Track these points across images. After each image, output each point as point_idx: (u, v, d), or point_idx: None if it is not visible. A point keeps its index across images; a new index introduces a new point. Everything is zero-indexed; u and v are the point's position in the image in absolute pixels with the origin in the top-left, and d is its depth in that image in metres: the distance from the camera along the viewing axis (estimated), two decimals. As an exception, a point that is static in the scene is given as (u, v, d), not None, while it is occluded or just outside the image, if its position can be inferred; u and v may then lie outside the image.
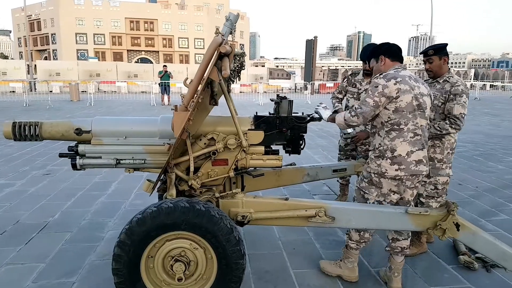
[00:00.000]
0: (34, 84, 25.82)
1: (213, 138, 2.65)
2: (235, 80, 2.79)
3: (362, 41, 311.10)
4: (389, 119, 2.50)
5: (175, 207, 2.22)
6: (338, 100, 4.20)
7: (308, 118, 2.81)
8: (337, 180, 4.47)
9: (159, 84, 19.04)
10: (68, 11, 58.80)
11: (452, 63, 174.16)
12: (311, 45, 28.80)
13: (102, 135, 2.70)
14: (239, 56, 2.71)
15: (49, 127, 2.71)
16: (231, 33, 2.61)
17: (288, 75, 38.68)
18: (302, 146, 2.88)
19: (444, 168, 3.17)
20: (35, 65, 30.89)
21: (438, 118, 3.12)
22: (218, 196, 2.63)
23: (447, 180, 3.21)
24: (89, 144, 2.69)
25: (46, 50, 62.66)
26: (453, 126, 3.02)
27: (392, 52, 2.62)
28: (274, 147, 2.88)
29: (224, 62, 2.15)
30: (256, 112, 2.85)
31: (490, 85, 37.31)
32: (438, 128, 3.05)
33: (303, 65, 33.68)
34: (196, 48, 66.67)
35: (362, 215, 2.51)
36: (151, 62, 55.72)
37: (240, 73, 2.93)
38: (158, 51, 65.55)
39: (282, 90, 30.40)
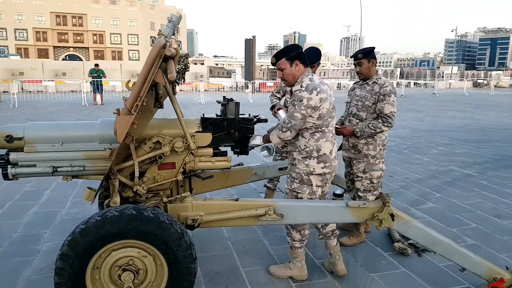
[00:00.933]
0: None
1: (159, 142, 2.60)
2: (180, 82, 2.75)
3: (298, 41, 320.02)
4: (313, 124, 2.68)
5: (121, 215, 2.15)
6: (276, 98, 4.27)
7: (255, 119, 2.86)
8: (264, 185, 4.55)
9: (90, 82, 18.08)
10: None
11: (380, 62, 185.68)
12: (250, 44, 29.07)
13: (36, 141, 2.53)
14: (183, 58, 2.68)
15: None
16: (173, 34, 2.58)
17: (228, 74, 38.72)
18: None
19: (378, 163, 3.40)
20: None
21: (369, 118, 3.34)
22: (166, 201, 2.58)
23: (381, 174, 3.45)
24: (22, 151, 2.51)
25: (-41, 45, 56.53)
26: (385, 124, 3.24)
27: (304, 58, 2.75)
28: (222, 148, 2.89)
29: (170, 65, 2.12)
30: (203, 114, 2.84)
31: (414, 83, 40.40)
32: (372, 128, 3.25)
33: (243, 64, 33.89)
34: (130, 44, 64.22)
35: (308, 211, 2.63)
36: (81, 59, 52.62)
37: (184, 74, 2.89)
38: (88, 48, 62.05)
39: (224, 88, 30.39)
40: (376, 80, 3.32)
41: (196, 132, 2.69)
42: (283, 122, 2.72)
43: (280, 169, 3.63)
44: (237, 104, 2.81)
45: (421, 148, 8.17)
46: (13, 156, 2.49)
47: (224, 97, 2.87)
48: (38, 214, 4.16)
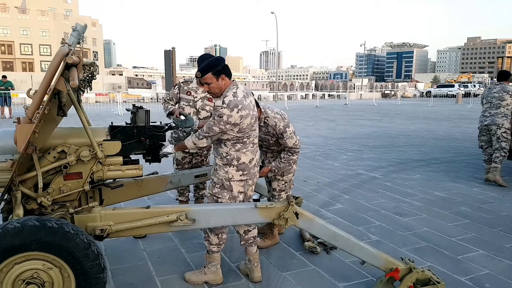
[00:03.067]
0: None
1: (64, 151, 2.53)
2: (85, 90, 2.71)
3: (219, 53, 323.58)
4: (234, 136, 2.80)
5: (23, 226, 2.06)
6: (171, 105, 4.08)
7: (166, 127, 2.91)
8: (176, 199, 4.44)
9: (-2, 95, 16.52)
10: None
11: (297, 76, 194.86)
12: (169, 55, 28.54)
13: None
14: (89, 66, 2.65)
15: None
16: (79, 43, 2.56)
17: (148, 85, 37.71)
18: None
19: (292, 166, 3.70)
20: None
21: (278, 146, 3.58)
22: (72, 211, 2.51)
23: (293, 174, 3.77)
24: None
25: None
26: (294, 154, 3.56)
27: (229, 71, 2.83)
28: (134, 156, 2.89)
29: (72, 73, 2.10)
30: (112, 122, 2.82)
31: (328, 94, 43.12)
32: (286, 161, 3.54)
33: (164, 75, 33.28)
34: (42, 55, 59.80)
35: (219, 214, 2.73)
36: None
37: (91, 82, 2.86)
38: (-5, 59, 56.54)
39: (144, 99, 29.52)
40: (266, 121, 3.39)
41: (104, 140, 2.66)
42: (201, 130, 2.79)
43: (196, 176, 3.69)
44: (147, 111, 2.84)
45: (333, 155, 8.77)
46: None
47: (133, 105, 2.88)
48: None
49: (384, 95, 46.60)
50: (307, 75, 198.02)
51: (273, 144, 3.59)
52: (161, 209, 2.67)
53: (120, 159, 2.71)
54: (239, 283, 3.03)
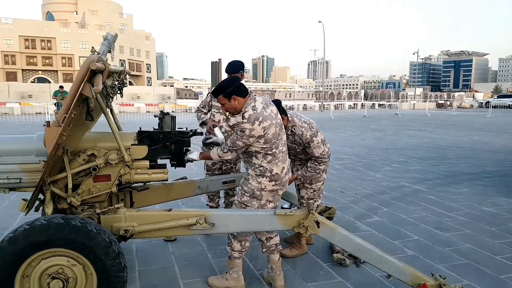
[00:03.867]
0: None
1: (94, 154, 2.66)
2: (114, 96, 2.85)
3: (266, 64, 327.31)
4: (262, 148, 2.80)
5: (49, 224, 2.19)
6: (203, 113, 4.27)
7: (191, 132, 2.98)
8: (206, 205, 4.46)
9: (55, 104, 17.90)
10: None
11: (346, 85, 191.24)
12: (216, 66, 29.37)
13: None
14: (118, 74, 2.79)
15: None
16: (110, 51, 2.71)
17: (195, 95, 39.05)
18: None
19: (322, 174, 3.65)
20: None
21: (306, 155, 3.54)
22: (99, 212, 2.63)
23: (323, 183, 3.72)
24: None
25: None
26: (321, 164, 3.50)
27: (241, 90, 2.78)
28: (162, 161, 2.98)
29: (97, 79, 2.22)
30: (140, 128, 2.93)
31: (378, 104, 41.83)
32: (312, 171, 3.50)
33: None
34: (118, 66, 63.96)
35: (238, 220, 2.74)
36: (49, 82, 51.69)
37: (121, 90, 3.00)
38: (57, 70, 61.37)
39: (191, 109, 30.48)
40: (293, 129, 3.40)
41: (132, 145, 2.77)
42: (225, 144, 2.84)
43: (224, 182, 3.72)
44: (173, 118, 2.93)
45: (376, 166, 8.47)
46: None
47: (161, 111, 2.98)
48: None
49: (439, 106, 44.38)
50: (357, 84, 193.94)
51: (301, 153, 3.56)
52: (182, 212, 2.73)
53: (147, 163, 2.81)
54: (261, 291, 3.00)
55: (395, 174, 7.54)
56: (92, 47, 2.51)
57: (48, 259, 2.26)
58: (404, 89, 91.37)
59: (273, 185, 2.85)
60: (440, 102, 45.57)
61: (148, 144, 2.82)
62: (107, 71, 2.33)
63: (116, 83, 2.91)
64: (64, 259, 2.27)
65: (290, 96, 46.11)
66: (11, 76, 56.13)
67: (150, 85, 64.58)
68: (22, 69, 59.23)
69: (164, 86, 77.10)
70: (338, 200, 5.54)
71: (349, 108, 38.38)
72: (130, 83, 64.27)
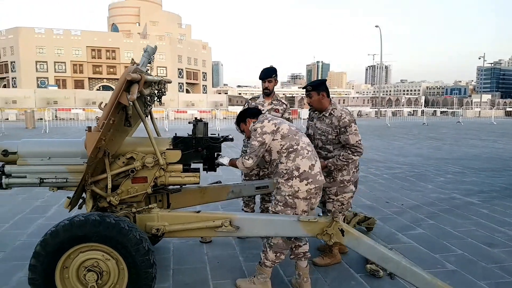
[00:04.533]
0: (-11, 112, 25.10)
1: (132, 157, 2.87)
2: (152, 104, 3.04)
3: (321, 70, 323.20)
4: (281, 146, 2.86)
5: (86, 220, 2.40)
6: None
7: (222, 138, 3.10)
8: (242, 209, 4.48)
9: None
10: (28, 39, 58.08)
11: (406, 91, 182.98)
12: (269, 74, 29.73)
13: (27, 156, 2.86)
14: (156, 83, 2.97)
15: None
16: (149, 62, 2.92)
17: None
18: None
19: (349, 186, 3.51)
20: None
21: (337, 148, 3.44)
22: (135, 211, 2.82)
23: (352, 195, 3.57)
24: (15, 164, 2.84)
25: (5, 78, 61.11)
26: (355, 154, 3.35)
27: (253, 114, 3.13)
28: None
29: (133, 88, 2.41)
30: (176, 133, 3.11)
31: (440, 111, 39.67)
32: (344, 159, 3.36)
33: (261, 92, 34.74)
34: (159, 75, 67.19)
35: (262, 224, 2.80)
36: (113, 89, 55.18)
37: (160, 98, 3.20)
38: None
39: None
40: (332, 111, 3.40)
41: (167, 149, 2.95)
42: (247, 152, 2.95)
43: (257, 188, 3.79)
44: (206, 124, 3.07)
45: (428, 176, 8.09)
46: (7, 168, 2.83)
47: (195, 118, 3.14)
48: (42, 226, 4.49)
49: (508, 113, 41.10)
50: (418, 90, 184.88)
51: (330, 142, 3.43)
52: (209, 214, 2.84)
53: (180, 166, 2.97)
54: (287, 296, 3.02)
55: (448, 186, 7.15)
56: (132, 59, 2.73)
57: (85, 252, 2.47)
58: (470, 96, 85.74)
59: (306, 185, 2.82)
60: (508, 109, 42.20)
61: (182, 149, 2.98)
62: (143, 81, 2.52)
63: (156, 91, 3.11)
64: (99, 254, 2.47)
65: (344, 102, 45.22)
66: (79, 84, 60.60)
67: (206, 92, 66.71)
68: (89, 78, 63.85)
69: (219, 93, 79.32)
70: (382, 211, 5.39)
71: (408, 115, 36.83)
72: (187, 91, 66.96)
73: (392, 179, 7.67)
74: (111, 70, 64.91)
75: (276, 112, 4.13)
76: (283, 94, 54.50)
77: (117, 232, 2.42)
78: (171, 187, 3.15)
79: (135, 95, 2.36)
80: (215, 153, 3.08)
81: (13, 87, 55.47)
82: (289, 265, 3.51)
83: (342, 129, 3.33)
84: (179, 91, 62.25)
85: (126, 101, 2.42)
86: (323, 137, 3.47)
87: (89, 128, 2.51)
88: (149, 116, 3.24)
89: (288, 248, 3.00)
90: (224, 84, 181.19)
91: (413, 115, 36.78)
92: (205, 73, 75.49)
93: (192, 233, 2.88)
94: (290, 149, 2.86)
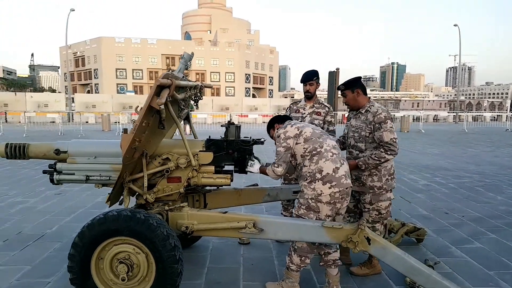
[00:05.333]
0: (72, 115, 27.81)
1: (168, 158, 3.03)
2: (185, 108, 3.16)
3: (396, 71, 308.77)
4: (305, 149, 2.85)
5: (119, 215, 2.59)
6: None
7: (252, 141, 3.14)
8: (281, 213, 4.43)
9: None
10: (109, 48, 63.50)
11: (491, 94, 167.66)
12: (333, 76, 29.36)
13: (76, 155, 3.16)
14: (190, 88, 3.09)
15: (34, 148, 3.21)
16: (186, 68, 3.07)
17: (312, 106, 39.42)
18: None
19: (385, 193, 3.32)
20: (72, 98, 33.58)
21: (369, 148, 3.29)
22: (167, 209, 2.97)
23: (389, 203, 3.38)
24: (65, 162, 3.15)
25: (89, 84, 67.55)
26: (388, 152, 3.15)
27: (281, 120, 3.24)
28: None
29: (162, 93, 2.54)
30: (209, 136, 3.22)
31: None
32: (376, 158, 3.18)
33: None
34: (227, 81, 69.64)
35: (286, 228, 2.79)
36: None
37: (197, 102, 3.33)
38: (191, 86, 68.86)
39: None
40: (368, 108, 3.30)
41: (200, 151, 3.07)
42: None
43: (295, 192, 3.75)
44: (237, 127, 3.14)
45: (500, 187, 7.38)
46: (58, 165, 3.14)
47: (228, 121, 3.23)
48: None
49: None
50: (506, 93, 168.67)
51: (363, 139, 3.30)
52: (235, 215, 2.90)
53: (212, 168, 3.07)
54: (316, 304, 2.97)
55: (521, 198, 6.46)
56: (167, 65, 2.89)
57: (119, 245, 2.65)
58: None
59: (329, 188, 2.75)
60: None
61: (214, 151, 3.08)
62: (174, 86, 2.64)
63: (193, 96, 3.25)
64: (130, 247, 2.64)
65: (417, 106, 42.76)
66: (155, 90, 64.97)
67: (272, 97, 67.49)
68: (163, 84, 68.14)
69: (285, 97, 79.58)
70: (438, 222, 5.05)
71: (490, 120, 33.76)
72: (253, 96, 68.25)
73: (457, 189, 7.12)
74: (184, 77, 68.63)
75: (318, 115, 4.09)
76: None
77: (146, 228, 2.57)
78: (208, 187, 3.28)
79: (163, 99, 2.49)
80: (246, 158, 3.12)
81: (95, 92, 61.03)
82: (323, 272, 3.45)
83: (377, 125, 3.18)
84: (245, 95, 63.65)
85: (156, 105, 2.57)
86: (355, 134, 3.35)
87: (125, 130, 2.70)
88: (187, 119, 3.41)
89: (312, 252, 2.96)
90: (292, 88, 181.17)
91: (496, 120, 33.63)
92: (272, 77, 76.37)
93: (218, 233, 2.96)
94: (314, 152, 2.83)
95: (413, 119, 30.76)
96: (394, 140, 3.16)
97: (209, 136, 3.22)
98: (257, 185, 3.76)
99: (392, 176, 3.34)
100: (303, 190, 2.88)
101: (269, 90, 74.43)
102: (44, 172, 3.25)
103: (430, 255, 3.89)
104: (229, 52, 69.58)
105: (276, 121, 3.24)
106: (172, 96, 2.68)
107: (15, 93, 34.99)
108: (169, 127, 3.24)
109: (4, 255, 3.78)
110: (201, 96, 3.33)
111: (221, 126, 3.29)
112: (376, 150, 3.22)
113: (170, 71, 2.85)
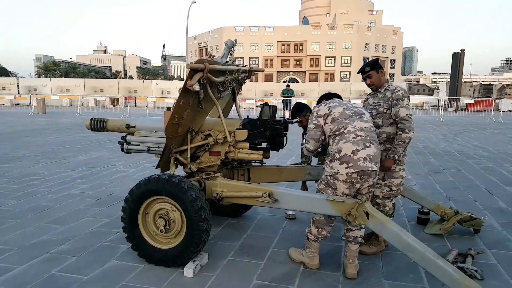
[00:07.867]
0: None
1: (210, 134, 3.49)
2: (223, 90, 3.51)
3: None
4: (330, 129, 3.00)
5: (159, 178, 3.15)
6: None
7: (283, 121, 3.40)
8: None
9: (282, 100, 20.91)
10: (230, 38, 67.15)
11: None
12: (457, 58, 26.41)
13: (141, 129, 3.85)
14: (231, 72, 3.41)
15: (111, 123, 4.01)
16: (230, 54, 3.46)
17: (430, 91, 36.17)
18: (283, 145, 3.49)
19: (398, 171, 3.38)
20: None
21: (386, 124, 3.36)
22: (204, 178, 3.45)
23: (401, 181, 3.43)
24: (133, 135, 3.86)
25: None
26: (406, 131, 3.22)
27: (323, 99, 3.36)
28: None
29: (195, 76, 2.94)
30: (248, 116, 3.58)
31: None
32: (401, 142, 3.24)
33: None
34: (342, 66, 67.47)
35: (297, 200, 3.05)
36: (298, 82, 58.81)
37: (241, 85, 3.70)
38: (305, 71, 68.74)
39: (423, 106, 28.55)
40: (387, 87, 3.39)
41: (237, 129, 3.45)
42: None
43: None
44: (272, 108, 3.43)
45: None
46: (128, 137, 3.88)
47: (265, 102, 3.54)
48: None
49: None
50: None
51: (380, 115, 3.36)
52: (255, 186, 3.22)
53: (247, 144, 3.44)
54: (333, 274, 3.14)
55: None
56: (208, 52, 3.32)
57: (160, 203, 3.21)
58: None
59: (345, 168, 2.86)
60: None
61: (249, 129, 3.43)
62: (207, 70, 3.00)
63: (235, 79, 3.63)
64: (168, 205, 3.18)
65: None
66: (268, 78, 66.63)
67: (393, 80, 63.60)
68: (277, 71, 69.46)
69: (409, 81, 74.07)
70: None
71: None
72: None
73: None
74: (297, 63, 68.94)
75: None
76: (472, 81, 46.50)
77: (179, 190, 3.07)
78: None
79: (193, 82, 2.91)
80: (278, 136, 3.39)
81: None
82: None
83: (394, 102, 3.28)
84: (361, 80, 61.07)
85: (190, 87, 3.01)
86: (373, 111, 3.42)
87: (168, 108, 3.23)
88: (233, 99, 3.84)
89: (329, 225, 3.13)
90: (419, 72, 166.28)
91: None
92: (394, 60, 71.71)
93: (241, 201, 3.31)
94: (337, 132, 2.96)
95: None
96: (410, 116, 3.26)
97: (247, 116, 3.57)
98: (301, 164, 3.99)
99: (405, 153, 3.37)
100: (325, 167, 3.06)
101: (390, 74, 70.09)
102: (119, 142, 4.02)
103: (481, 246, 3.66)
104: (347, 35, 66.99)
105: (324, 98, 3.40)
106: (209, 79, 3.06)
107: (143, 81, 39.83)
108: (210, 107, 3.68)
109: (94, 209, 4.74)
110: (244, 80, 3.69)
111: (257, 107, 3.62)
112: (396, 136, 3.30)
113: (212, 57, 3.27)
